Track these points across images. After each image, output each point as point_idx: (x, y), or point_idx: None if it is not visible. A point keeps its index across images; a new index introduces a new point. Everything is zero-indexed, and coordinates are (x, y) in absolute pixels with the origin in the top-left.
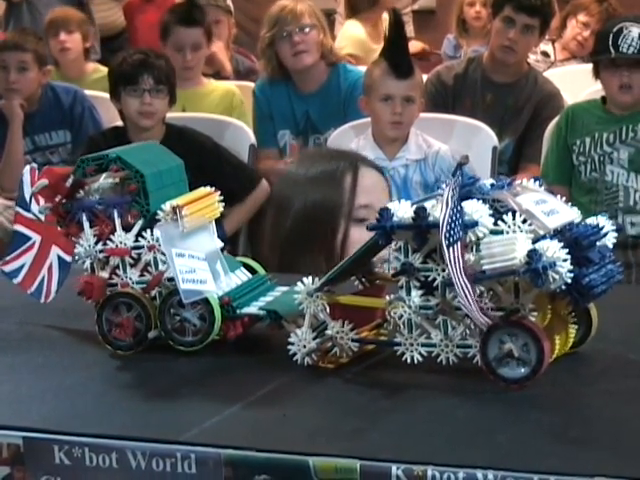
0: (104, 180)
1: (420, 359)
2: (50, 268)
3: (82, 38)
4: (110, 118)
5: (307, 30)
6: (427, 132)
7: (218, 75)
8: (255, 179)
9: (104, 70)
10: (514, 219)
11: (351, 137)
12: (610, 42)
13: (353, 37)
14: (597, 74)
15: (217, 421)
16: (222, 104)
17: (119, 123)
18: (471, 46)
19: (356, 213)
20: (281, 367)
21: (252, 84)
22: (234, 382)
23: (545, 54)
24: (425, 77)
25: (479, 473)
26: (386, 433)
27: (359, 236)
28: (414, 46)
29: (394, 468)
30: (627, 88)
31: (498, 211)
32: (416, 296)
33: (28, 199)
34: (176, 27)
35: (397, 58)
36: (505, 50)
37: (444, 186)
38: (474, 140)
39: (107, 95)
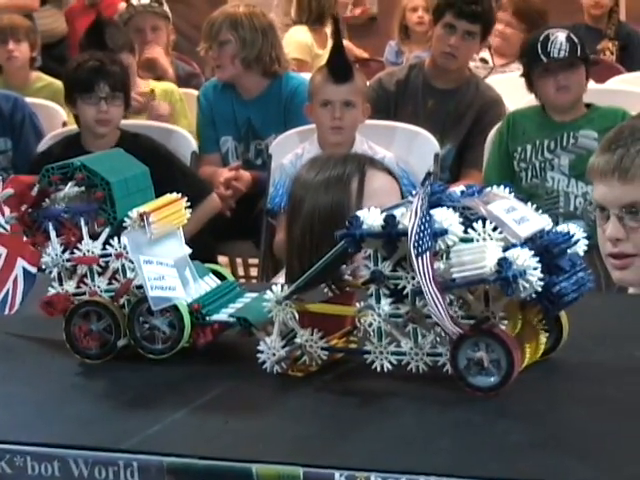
0: (70, 189)
1: (390, 367)
2: (15, 281)
3: (30, 47)
4: (51, 125)
5: (221, 45)
6: (369, 138)
7: (160, 80)
8: (206, 190)
9: (47, 79)
10: (484, 227)
11: (296, 142)
12: (540, 50)
13: (298, 42)
14: (530, 86)
15: (160, 429)
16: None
17: (60, 131)
18: (413, 52)
19: None
20: (227, 373)
21: (195, 91)
22: (178, 390)
23: (484, 61)
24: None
25: (421, 479)
26: (329, 440)
27: None
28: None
29: (337, 475)
30: (564, 89)
31: (468, 219)
32: (386, 304)
33: None
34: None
35: (335, 63)
36: (446, 56)
37: (413, 193)
38: (416, 146)
39: (48, 103)
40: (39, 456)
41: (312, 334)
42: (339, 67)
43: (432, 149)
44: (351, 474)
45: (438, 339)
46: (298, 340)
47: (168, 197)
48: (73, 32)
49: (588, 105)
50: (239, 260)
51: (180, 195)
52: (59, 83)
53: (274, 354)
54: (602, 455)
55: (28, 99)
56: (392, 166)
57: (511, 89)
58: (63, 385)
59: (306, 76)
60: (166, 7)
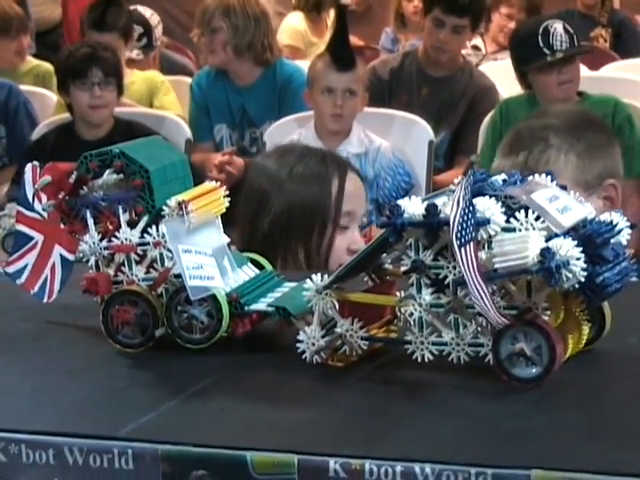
0: (108, 176)
1: (431, 358)
2: (53, 268)
3: (23, 38)
4: (45, 113)
5: (213, 32)
6: (364, 126)
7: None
8: (197, 178)
9: (35, 61)
10: (527, 216)
11: (293, 129)
12: (542, 44)
13: (292, 28)
14: (524, 81)
15: (155, 416)
16: (147, 88)
17: (53, 119)
18: (409, 40)
19: (340, 220)
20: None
21: (186, 79)
22: (171, 376)
23: (476, 48)
24: None
25: (417, 467)
26: (325, 427)
27: (339, 245)
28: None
29: (332, 462)
30: (567, 83)
31: (510, 208)
32: (427, 294)
33: (30, 197)
34: (89, 32)
35: (338, 51)
36: (436, 50)
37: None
38: (410, 134)
39: (42, 90)
40: (34, 444)
41: (352, 324)
42: (342, 55)
43: (427, 137)
44: (346, 462)
45: (480, 329)
46: (338, 330)
47: (206, 185)
48: (67, 19)
49: (580, 93)
50: (233, 248)
51: None
52: (47, 65)
53: (314, 344)
54: None
55: (21, 86)
56: (387, 154)
57: (504, 76)
58: (44, 373)
59: (300, 63)
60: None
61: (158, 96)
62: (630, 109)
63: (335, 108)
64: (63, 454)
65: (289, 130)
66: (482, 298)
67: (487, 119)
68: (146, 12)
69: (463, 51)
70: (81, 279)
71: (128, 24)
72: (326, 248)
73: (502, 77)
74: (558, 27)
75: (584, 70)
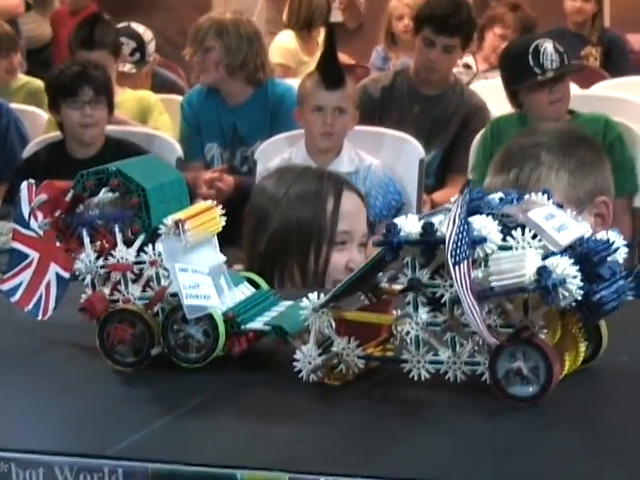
0: (104, 194)
1: (427, 376)
2: (48, 285)
3: (13, 56)
4: (36, 131)
5: (206, 51)
6: (354, 144)
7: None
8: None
9: (25, 78)
10: (523, 234)
11: (284, 148)
12: (532, 63)
13: (283, 47)
14: (514, 101)
15: (146, 434)
16: (139, 108)
17: (44, 137)
18: (400, 58)
19: (337, 238)
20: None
21: (177, 97)
22: (164, 394)
23: (467, 66)
24: None
25: None
26: (319, 445)
27: (336, 262)
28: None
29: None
30: (558, 102)
31: (507, 226)
32: (423, 312)
33: (27, 215)
34: (78, 51)
35: (328, 69)
36: (427, 70)
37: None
38: (401, 152)
39: (33, 108)
40: (24, 463)
41: (349, 342)
42: (332, 73)
43: (417, 155)
44: None
45: (476, 348)
46: (335, 348)
47: (203, 204)
48: (57, 38)
49: (570, 112)
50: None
51: None
52: (39, 82)
53: (310, 362)
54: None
55: (12, 105)
56: (378, 173)
57: (495, 95)
58: (52, 391)
59: (291, 82)
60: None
61: (152, 116)
62: (621, 128)
63: (325, 126)
64: (53, 473)
65: (280, 149)
66: (474, 316)
67: (478, 137)
68: (139, 28)
69: (454, 69)
70: (76, 297)
71: (116, 40)
72: (322, 266)
73: (493, 95)
74: (548, 46)
75: (574, 89)
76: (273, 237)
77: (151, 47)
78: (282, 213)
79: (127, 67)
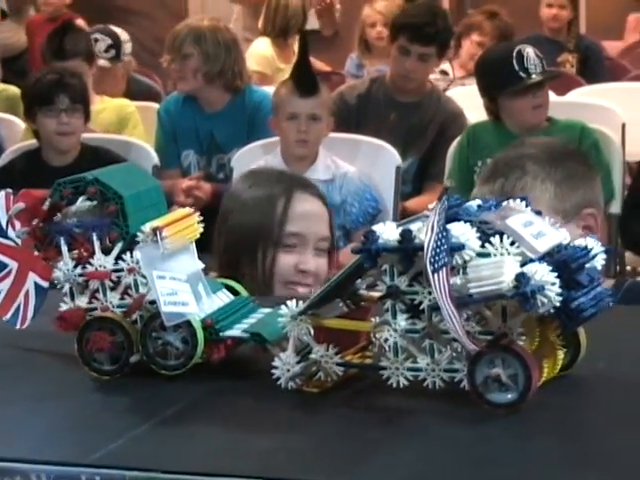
0: (82, 203)
1: (406, 383)
2: (27, 295)
3: None
4: (13, 140)
5: (183, 58)
6: (331, 152)
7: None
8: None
9: (1, 86)
10: (502, 241)
11: (260, 155)
12: (517, 68)
13: (259, 55)
14: (492, 109)
15: (123, 442)
16: (117, 117)
17: (19, 145)
18: (374, 65)
19: (285, 240)
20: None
21: (154, 104)
22: (143, 402)
23: (444, 72)
24: None
25: None
26: (297, 453)
27: (285, 263)
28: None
29: None
30: (539, 108)
31: (485, 233)
32: (402, 319)
33: (4, 224)
34: (51, 62)
35: (301, 77)
36: (403, 78)
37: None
38: (377, 159)
39: (10, 117)
40: (0, 471)
41: (327, 350)
42: (305, 80)
43: (394, 162)
44: None
45: (455, 355)
46: (313, 356)
47: (181, 211)
48: (33, 46)
49: (548, 119)
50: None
51: None
52: (14, 89)
53: (289, 370)
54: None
55: None
56: (355, 180)
57: (472, 102)
58: (30, 400)
59: (268, 89)
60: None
61: (127, 129)
62: (597, 134)
63: (300, 134)
64: None
65: (256, 156)
66: (454, 323)
67: (454, 144)
68: (116, 29)
69: (431, 76)
70: (55, 306)
71: (89, 47)
72: (269, 268)
73: (470, 102)
74: (530, 51)
75: (551, 95)
76: (229, 241)
77: (127, 47)
78: (235, 217)
79: (101, 62)
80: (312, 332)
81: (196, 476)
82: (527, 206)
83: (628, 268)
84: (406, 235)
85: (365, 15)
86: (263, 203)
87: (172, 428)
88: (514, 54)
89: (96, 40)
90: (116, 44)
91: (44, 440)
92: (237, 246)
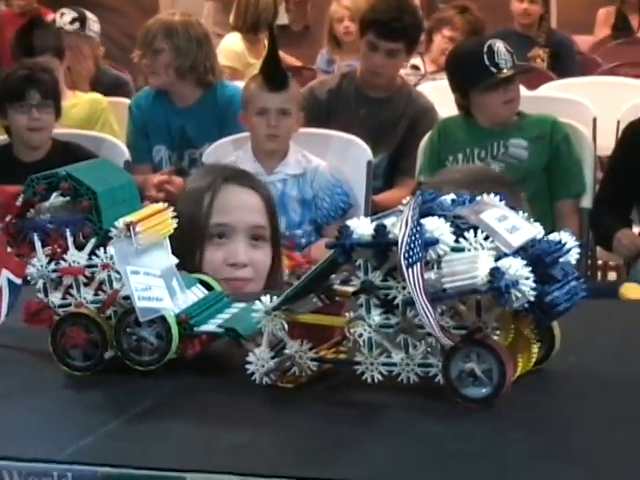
0: (55, 199)
1: (380, 378)
2: (0, 292)
3: None
4: None
5: (155, 53)
6: (302, 147)
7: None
8: None
9: None
10: (476, 236)
11: (230, 151)
12: (488, 62)
13: (230, 50)
14: (462, 104)
15: (95, 438)
16: (89, 112)
17: None
18: (345, 60)
19: (212, 231)
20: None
21: (124, 99)
22: (115, 398)
23: (415, 67)
24: None
25: None
26: (268, 449)
27: (212, 259)
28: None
29: None
30: (511, 102)
31: (460, 228)
32: (376, 314)
33: None
34: (21, 58)
35: (270, 71)
36: (372, 73)
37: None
38: (349, 154)
39: None
40: None
41: (302, 345)
42: (274, 75)
43: (365, 157)
44: None
45: (429, 350)
46: (287, 351)
47: (154, 207)
48: (3, 41)
49: (518, 113)
50: None
51: None
52: None
53: (263, 365)
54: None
55: None
56: (325, 175)
57: (443, 96)
58: (0, 396)
59: (239, 84)
60: (92, 28)
61: (97, 126)
62: (568, 128)
63: (269, 128)
64: (2, 477)
65: (226, 152)
66: (428, 317)
67: (425, 139)
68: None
69: (402, 71)
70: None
71: (59, 42)
72: (198, 262)
73: (441, 97)
74: (500, 46)
75: (522, 90)
76: (172, 237)
77: (93, 26)
78: (177, 214)
79: (67, 27)
80: (286, 327)
81: (168, 472)
82: (501, 201)
83: (600, 262)
84: (380, 230)
85: (332, 10)
86: (194, 197)
87: (144, 424)
88: (485, 49)
89: (62, 14)
90: (81, 18)
91: (16, 436)
92: (176, 241)
